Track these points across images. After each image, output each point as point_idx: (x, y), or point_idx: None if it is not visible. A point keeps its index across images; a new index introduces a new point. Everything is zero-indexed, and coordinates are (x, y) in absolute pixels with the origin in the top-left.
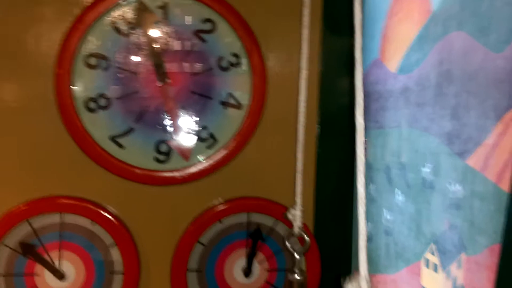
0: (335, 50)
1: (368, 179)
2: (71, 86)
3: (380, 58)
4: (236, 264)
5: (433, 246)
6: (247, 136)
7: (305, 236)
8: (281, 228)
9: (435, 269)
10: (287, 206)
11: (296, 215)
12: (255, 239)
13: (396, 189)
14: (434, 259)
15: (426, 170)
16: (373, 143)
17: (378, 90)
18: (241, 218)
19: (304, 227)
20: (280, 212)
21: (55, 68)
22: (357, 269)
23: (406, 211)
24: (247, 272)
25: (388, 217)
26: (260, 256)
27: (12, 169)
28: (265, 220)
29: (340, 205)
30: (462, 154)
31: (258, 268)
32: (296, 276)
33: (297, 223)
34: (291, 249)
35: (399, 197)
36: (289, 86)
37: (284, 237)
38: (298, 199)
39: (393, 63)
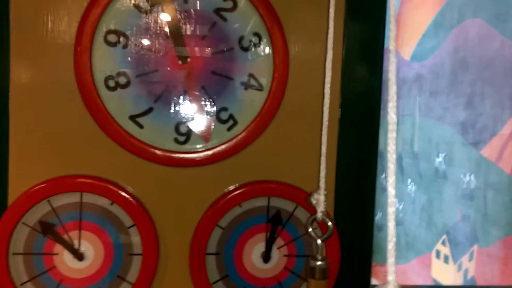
0: (357, 34)
1: (380, 168)
2: (90, 64)
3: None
4: (255, 248)
5: (444, 237)
6: (268, 118)
7: (328, 222)
8: (301, 214)
9: (446, 260)
10: (308, 191)
11: (320, 200)
12: (275, 224)
13: (408, 179)
14: (445, 250)
15: (439, 160)
16: (385, 132)
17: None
18: (261, 202)
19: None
20: (301, 197)
21: (74, 45)
22: (376, 260)
23: (417, 201)
24: (266, 257)
25: (399, 207)
26: (279, 241)
27: (31, 148)
28: (285, 205)
29: (361, 192)
30: (476, 144)
31: (277, 254)
32: (318, 262)
33: (321, 208)
34: (313, 235)
35: (411, 187)
36: (312, 67)
37: (307, 222)
38: (322, 184)
39: (406, 50)
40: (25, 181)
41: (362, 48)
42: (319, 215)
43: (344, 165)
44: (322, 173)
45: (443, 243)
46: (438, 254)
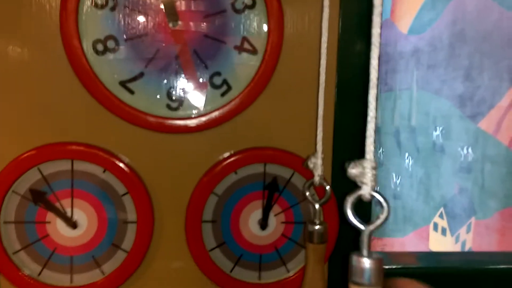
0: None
1: (377, 143)
2: (77, 27)
3: (391, 18)
4: (251, 216)
5: (442, 210)
6: (263, 83)
7: (326, 186)
8: (298, 180)
9: (444, 233)
10: (304, 157)
11: (317, 164)
12: (272, 191)
13: (405, 153)
14: (443, 223)
15: (437, 133)
16: (382, 106)
17: (388, 52)
18: (257, 169)
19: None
20: (298, 163)
21: (59, 8)
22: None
23: (415, 175)
24: (263, 224)
25: (397, 181)
26: (276, 208)
27: (19, 115)
28: (281, 171)
29: (358, 157)
30: (474, 117)
31: (274, 221)
32: (316, 227)
33: (318, 172)
34: (310, 199)
35: (408, 161)
36: (308, 30)
37: (304, 186)
38: (319, 147)
39: (404, 23)
40: (14, 149)
41: (359, 12)
42: (317, 179)
43: (341, 129)
44: (319, 136)
45: (441, 216)
46: (435, 226)
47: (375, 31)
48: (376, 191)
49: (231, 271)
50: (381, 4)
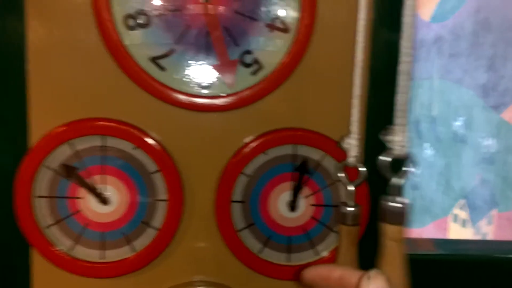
0: None
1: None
2: (109, 1)
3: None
4: (280, 197)
5: (462, 202)
6: (295, 62)
7: (361, 167)
8: (329, 163)
9: (464, 224)
10: (336, 139)
11: (352, 145)
12: (301, 173)
13: (425, 143)
14: (463, 214)
15: (458, 123)
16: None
17: None
18: (287, 150)
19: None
20: (329, 145)
21: None
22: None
23: (435, 165)
24: (292, 206)
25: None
26: (306, 190)
27: (50, 91)
28: (312, 153)
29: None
30: (497, 107)
31: (303, 203)
32: (350, 208)
33: (353, 153)
34: (344, 180)
35: (428, 151)
36: (343, 6)
37: (336, 167)
38: (354, 128)
39: (426, 11)
40: (46, 124)
41: None
42: (351, 160)
43: (374, 112)
44: (354, 116)
45: (461, 207)
46: (455, 218)
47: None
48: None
49: (260, 252)
50: None
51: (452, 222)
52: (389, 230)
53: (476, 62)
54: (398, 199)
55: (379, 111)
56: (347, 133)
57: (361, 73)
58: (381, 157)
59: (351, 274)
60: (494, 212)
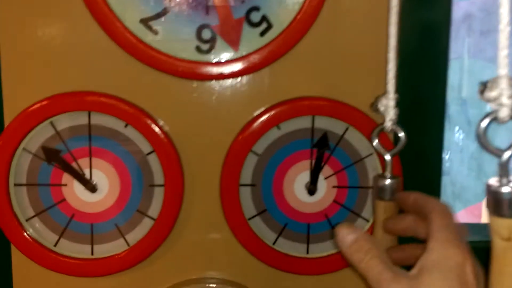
0: None
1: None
2: None
3: None
4: (297, 178)
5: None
6: (310, 19)
7: (399, 132)
8: (353, 137)
9: None
10: (362, 109)
11: (389, 106)
12: (321, 149)
13: (456, 127)
14: None
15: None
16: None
17: None
18: (304, 123)
19: (384, 136)
20: (353, 116)
21: None
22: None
23: (466, 149)
24: (311, 188)
25: (446, 156)
26: (327, 170)
27: (28, 61)
28: (333, 125)
29: (427, 103)
30: None
31: (324, 185)
32: (388, 181)
33: (390, 116)
34: (380, 149)
35: (458, 135)
36: None
37: (372, 134)
38: (391, 87)
39: None
40: (22, 99)
41: None
42: (389, 124)
43: (408, 68)
44: (391, 73)
45: None
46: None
47: None
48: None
49: (274, 243)
50: None
51: (486, 208)
52: (495, 224)
53: (510, 39)
54: (506, 180)
55: (415, 70)
56: (380, 95)
57: (396, 20)
58: (481, 124)
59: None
60: None
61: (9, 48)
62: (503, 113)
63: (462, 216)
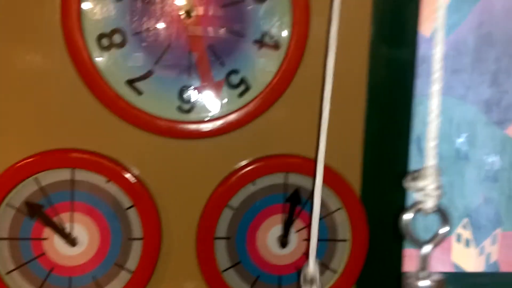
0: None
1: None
2: (80, 20)
3: None
4: (270, 232)
5: (465, 221)
6: (286, 82)
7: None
8: (323, 192)
9: (467, 244)
10: (332, 165)
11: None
12: (293, 204)
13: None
14: (466, 234)
15: (461, 140)
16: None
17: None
18: (277, 179)
19: (350, 192)
20: (324, 172)
21: None
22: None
23: None
24: (283, 241)
25: None
26: (298, 223)
27: (15, 119)
28: (305, 182)
29: (390, 168)
30: (501, 123)
31: (295, 238)
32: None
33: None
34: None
35: None
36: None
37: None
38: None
39: (427, 26)
40: (9, 156)
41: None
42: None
43: (371, 137)
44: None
45: (464, 226)
46: (459, 238)
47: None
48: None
49: None
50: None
51: (455, 242)
52: None
53: (479, 78)
54: (427, 273)
55: (377, 136)
56: (347, 159)
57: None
58: (405, 216)
59: None
60: (498, 231)
61: None
62: (429, 204)
63: (434, 249)
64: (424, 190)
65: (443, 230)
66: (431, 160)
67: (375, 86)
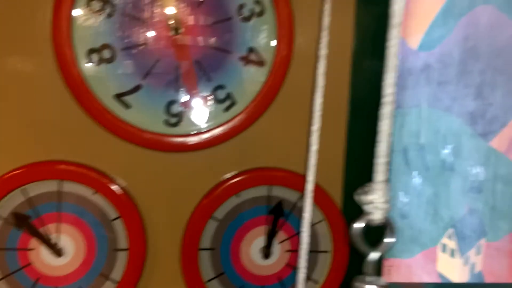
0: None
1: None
2: (70, 35)
3: (401, 33)
4: (254, 243)
5: (451, 231)
6: (271, 97)
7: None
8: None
9: (452, 254)
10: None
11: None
12: (276, 216)
13: (414, 171)
14: (451, 244)
15: (446, 151)
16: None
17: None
18: (261, 191)
19: (332, 204)
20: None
21: (52, 13)
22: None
23: (423, 194)
24: (267, 252)
25: (404, 200)
26: (281, 235)
27: (2, 131)
28: (288, 194)
29: (370, 179)
30: (485, 135)
31: (278, 249)
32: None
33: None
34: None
35: (417, 180)
36: (319, 40)
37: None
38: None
39: (414, 39)
40: None
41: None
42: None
43: (353, 151)
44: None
45: (450, 236)
46: (444, 248)
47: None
48: (387, 217)
49: None
50: (399, 14)
51: (440, 252)
52: None
53: (464, 90)
54: (373, 279)
55: (358, 150)
56: (328, 172)
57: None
58: (355, 225)
59: None
60: (482, 242)
61: None
62: (377, 215)
63: (419, 259)
64: (373, 203)
65: (389, 240)
66: (380, 176)
67: (357, 99)
